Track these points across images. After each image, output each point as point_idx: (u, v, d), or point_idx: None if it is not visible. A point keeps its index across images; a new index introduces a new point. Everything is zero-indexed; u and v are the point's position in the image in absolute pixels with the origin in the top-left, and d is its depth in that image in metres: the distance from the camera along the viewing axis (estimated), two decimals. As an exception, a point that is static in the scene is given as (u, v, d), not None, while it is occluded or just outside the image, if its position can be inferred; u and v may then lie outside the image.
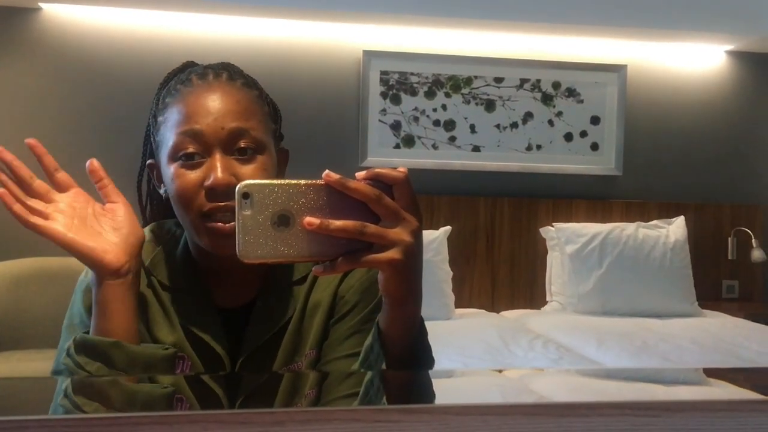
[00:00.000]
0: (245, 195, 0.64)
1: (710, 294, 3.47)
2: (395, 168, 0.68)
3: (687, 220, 3.29)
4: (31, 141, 0.79)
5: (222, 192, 0.83)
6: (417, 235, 0.68)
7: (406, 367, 0.76)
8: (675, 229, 3.23)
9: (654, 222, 3.28)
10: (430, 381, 0.82)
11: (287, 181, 0.65)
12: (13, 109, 3.06)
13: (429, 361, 0.78)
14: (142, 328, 0.88)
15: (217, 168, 0.83)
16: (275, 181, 0.65)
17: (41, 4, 3.02)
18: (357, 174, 0.67)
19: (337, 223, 0.64)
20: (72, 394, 0.74)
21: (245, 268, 0.81)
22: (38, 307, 2.70)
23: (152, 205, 1.01)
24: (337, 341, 0.91)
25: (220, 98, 0.86)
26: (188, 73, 0.91)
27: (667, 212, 3.41)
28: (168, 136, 0.87)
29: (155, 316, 0.90)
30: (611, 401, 0.39)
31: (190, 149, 0.84)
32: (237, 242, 0.63)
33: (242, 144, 0.85)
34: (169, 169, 0.86)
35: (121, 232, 0.81)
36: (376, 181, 0.67)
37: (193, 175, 0.84)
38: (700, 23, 3.29)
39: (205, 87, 0.88)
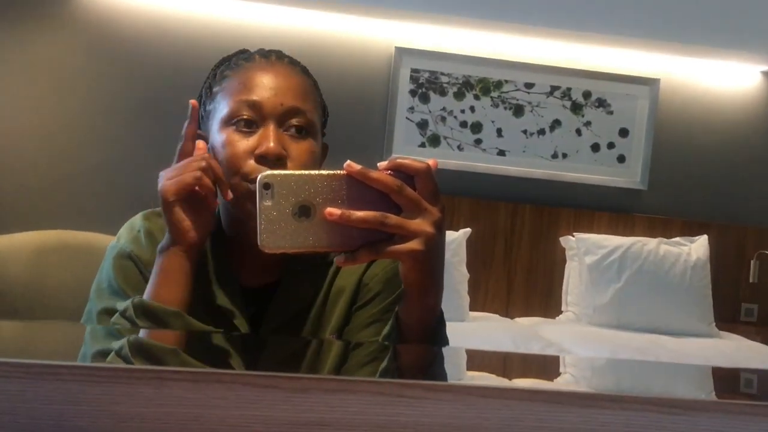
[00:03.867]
0: (266, 186, 0.64)
1: (728, 316, 3.42)
2: (423, 161, 0.68)
3: (710, 240, 3.25)
4: (193, 102, 0.87)
5: (271, 161, 0.84)
6: (439, 226, 0.68)
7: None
8: (697, 247, 3.19)
9: (676, 239, 3.24)
10: (446, 375, 0.82)
11: (308, 171, 0.65)
12: (50, 86, 3.09)
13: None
14: None
15: (270, 137, 0.85)
16: (296, 172, 0.65)
17: (81, -18, 3.05)
18: (379, 164, 0.67)
19: (359, 213, 0.64)
20: (129, 356, 0.76)
21: None
22: (58, 279, 2.72)
23: None
24: (357, 329, 0.92)
25: (282, 76, 0.89)
26: (249, 53, 0.94)
27: (690, 230, 3.37)
28: (224, 104, 0.88)
29: None
30: (636, 395, 0.39)
31: (245, 115, 0.86)
32: (258, 232, 0.64)
33: (296, 122, 0.87)
34: (221, 136, 0.87)
35: (202, 210, 0.83)
36: (398, 171, 0.67)
37: (245, 142, 0.86)
38: (738, 41, 3.24)
39: (268, 64, 0.91)
